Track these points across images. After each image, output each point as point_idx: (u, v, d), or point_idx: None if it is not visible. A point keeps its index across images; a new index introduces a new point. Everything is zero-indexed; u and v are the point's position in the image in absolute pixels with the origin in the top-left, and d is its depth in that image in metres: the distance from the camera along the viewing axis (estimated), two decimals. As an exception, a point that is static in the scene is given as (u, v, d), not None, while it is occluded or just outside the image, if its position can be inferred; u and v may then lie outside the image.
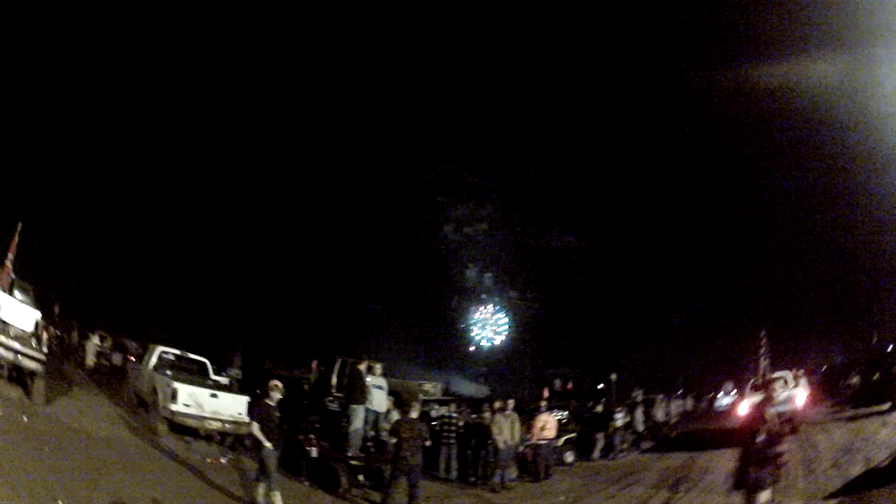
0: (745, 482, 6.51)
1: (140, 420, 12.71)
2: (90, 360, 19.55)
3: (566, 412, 22.57)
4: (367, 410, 12.74)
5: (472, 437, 14.57)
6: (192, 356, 14.19)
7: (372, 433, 12.82)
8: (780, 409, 15.03)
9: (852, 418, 17.36)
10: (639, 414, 20.54)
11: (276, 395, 9.49)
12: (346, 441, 12.22)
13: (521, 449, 15.07)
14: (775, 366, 20.09)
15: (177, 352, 13.98)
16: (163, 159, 37.17)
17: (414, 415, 10.77)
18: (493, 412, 14.28)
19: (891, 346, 23.85)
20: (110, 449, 10.29)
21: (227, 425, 12.35)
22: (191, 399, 12.00)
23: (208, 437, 12.41)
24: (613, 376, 22.64)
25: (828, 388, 23.87)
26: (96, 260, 30.56)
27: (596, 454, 18.22)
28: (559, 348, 43.13)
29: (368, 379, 12.88)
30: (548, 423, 14.68)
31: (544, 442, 14.65)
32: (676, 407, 24.66)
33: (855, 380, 22.25)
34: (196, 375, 13.66)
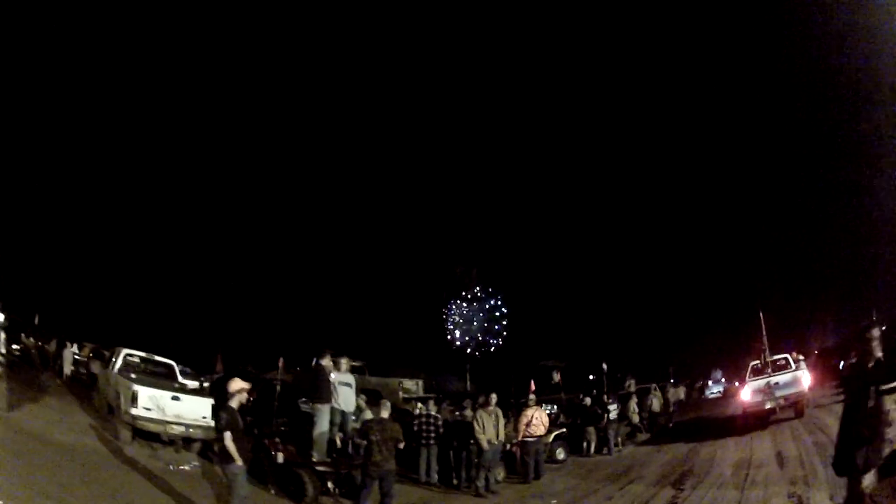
0: (851, 466, 5.16)
1: (108, 428, 11.96)
2: (67, 368, 19.25)
3: (556, 406, 21.33)
4: (334, 410, 11.40)
5: (454, 436, 13.13)
6: (158, 358, 13.55)
7: (341, 435, 11.48)
8: (787, 391, 15.82)
9: (856, 398, 16.11)
10: (633, 405, 19.30)
11: (240, 398, 8.11)
12: (311, 445, 10.94)
13: (508, 447, 13.73)
14: (774, 348, 19.63)
15: (143, 354, 13.33)
16: (146, 168, 37.35)
17: (385, 414, 9.85)
18: (476, 408, 12.88)
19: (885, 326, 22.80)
20: (71, 456, 9.74)
21: (190, 430, 11.56)
22: (152, 402, 11.32)
23: (172, 442, 11.69)
24: (605, 366, 21.38)
25: (824, 370, 23.30)
26: (78, 270, 30.62)
27: (590, 450, 16.90)
28: (548, 339, 41.94)
29: (333, 375, 11.51)
30: (536, 419, 13.22)
31: (533, 439, 13.23)
32: (671, 396, 23.41)
33: (854, 360, 21.36)
34: (161, 378, 12.95)
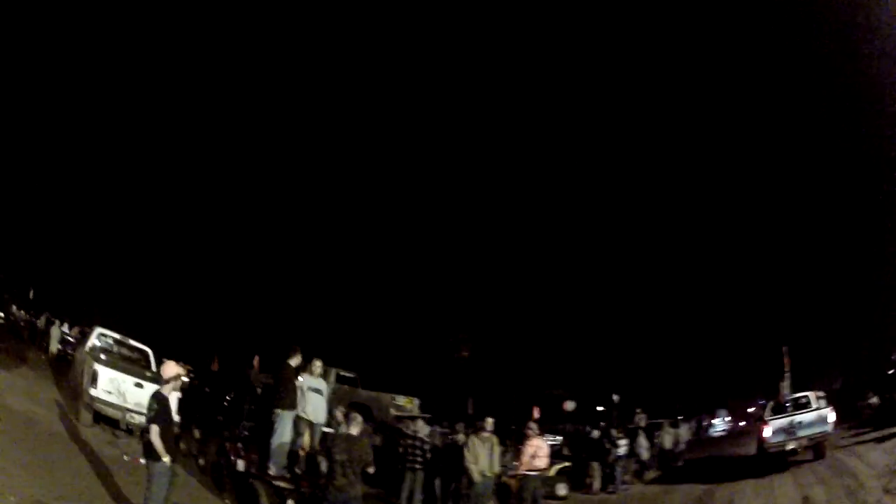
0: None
1: (73, 407, 11.35)
2: (54, 346, 19.42)
3: (559, 437, 20.00)
4: (301, 420, 9.99)
5: (442, 462, 11.93)
6: (133, 343, 12.69)
7: (306, 449, 10.19)
8: (811, 431, 14.75)
9: (879, 440, 15.36)
10: (643, 440, 17.91)
11: (175, 385, 7.21)
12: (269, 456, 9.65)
13: (504, 479, 12.51)
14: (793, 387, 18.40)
15: (117, 336, 12.51)
16: (149, 162, 37.47)
17: (354, 430, 8.05)
18: (468, 433, 11.64)
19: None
20: (24, 427, 9.35)
21: None
22: (112, 385, 10.68)
23: (130, 431, 10.87)
24: (616, 398, 20.15)
25: (840, 409, 20.85)
26: (86, 252, 31.06)
27: (595, 486, 15.57)
28: (556, 366, 40.47)
29: (301, 379, 10.05)
30: (539, 451, 11.81)
31: (535, 473, 11.75)
32: (683, 433, 21.93)
33: (873, 400, 20.38)
34: (132, 364, 12.05)
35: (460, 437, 12.18)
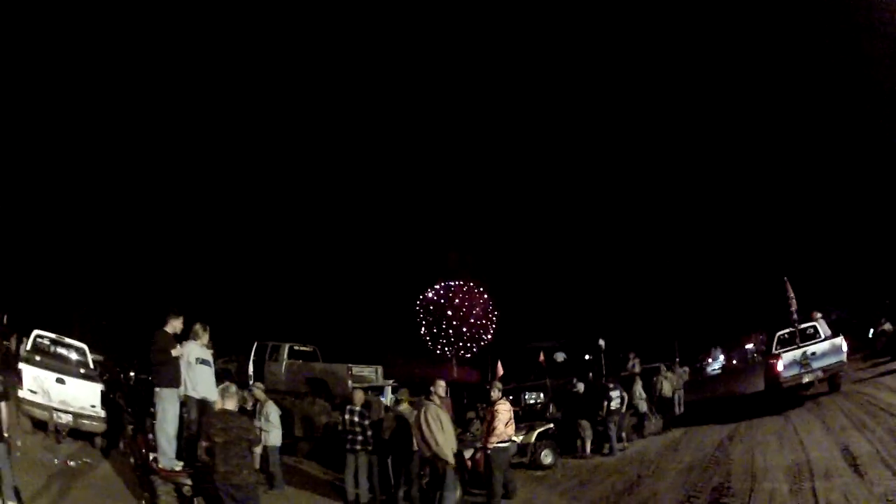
0: None
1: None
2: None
3: (542, 394, 17.56)
4: (191, 400, 8.18)
5: (392, 440, 9.45)
6: (69, 341, 11.88)
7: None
8: (825, 362, 13.80)
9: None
10: (638, 390, 15.48)
11: None
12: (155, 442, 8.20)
13: (471, 455, 10.02)
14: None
15: (53, 336, 11.68)
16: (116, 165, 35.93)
17: (230, 405, 6.81)
18: (417, 402, 9.05)
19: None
20: None
21: (80, 420, 9.74)
22: (36, 384, 9.78)
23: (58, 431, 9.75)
24: (602, 343, 17.71)
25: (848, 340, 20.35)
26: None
27: (586, 449, 13.17)
28: (543, 319, 38.34)
29: (184, 349, 8.15)
30: (499, 416, 9.15)
31: (506, 444, 9.23)
32: (679, 377, 19.54)
33: (887, 326, 19.32)
34: (65, 363, 11.15)
35: (403, 408, 9.64)
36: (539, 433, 12.33)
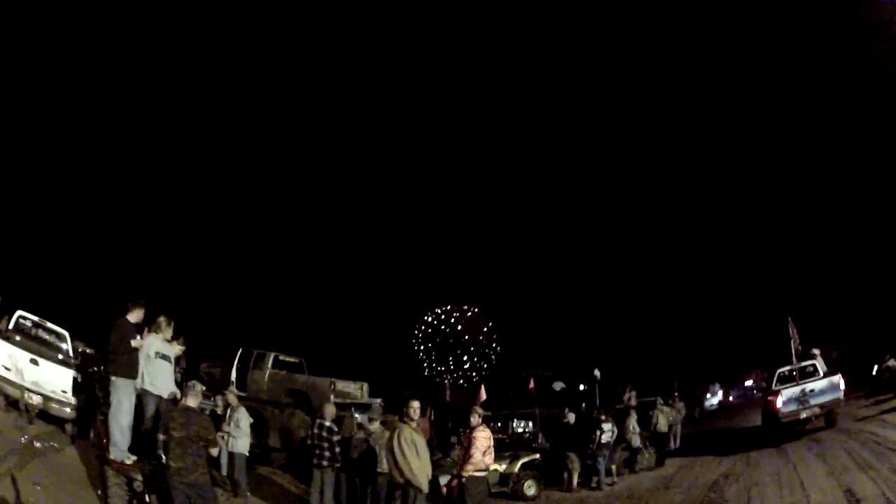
0: None
1: None
2: None
3: (531, 423, 16.85)
4: (147, 394, 7.92)
5: (360, 459, 8.91)
6: (51, 325, 11.79)
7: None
8: (823, 399, 14.24)
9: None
10: (632, 423, 14.78)
11: None
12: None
13: (447, 482, 9.34)
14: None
15: (36, 318, 11.60)
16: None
17: (192, 402, 6.77)
18: (388, 423, 8.45)
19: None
20: None
21: (49, 403, 9.52)
22: (11, 362, 9.71)
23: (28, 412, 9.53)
24: (597, 373, 17.02)
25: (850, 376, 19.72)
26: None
27: (572, 482, 12.46)
28: (542, 348, 37.59)
29: (144, 341, 7.86)
30: (477, 443, 8.49)
31: (482, 473, 8.47)
32: (677, 412, 18.81)
33: (892, 362, 18.71)
34: (44, 346, 11.12)
35: (373, 427, 9.07)
36: (523, 463, 11.69)
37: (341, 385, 15.43)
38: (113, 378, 7.75)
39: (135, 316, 7.95)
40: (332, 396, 14.48)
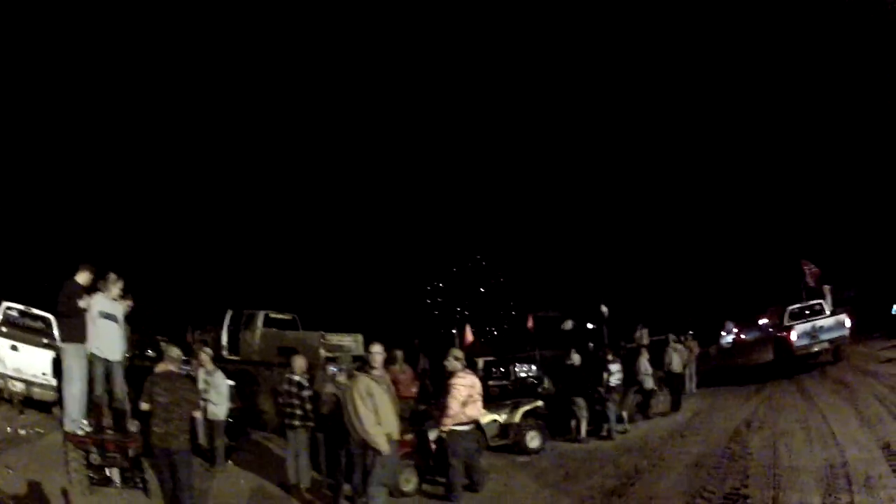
0: None
1: None
2: None
3: (534, 366, 15.94)
4: (96, 359, 7.48)
5: (329, 416, 8.13)
6: (36, 311, 11.36)
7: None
8: (831, 335, 15.56)
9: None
10: (644, 363, 13.80)
11: None
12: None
13: (435, 437, 8.41)
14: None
15: (21, 307, 11.24)
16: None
17: (173, 366, 6.70)
18: (350, 374, 7.27)
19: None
20: None
21: (32, 388, 9.04)
22: None
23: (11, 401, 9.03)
24: (605, 310, 16.02)
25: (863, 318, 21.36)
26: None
27: (580, 431, 11.58)
28: (545, 285, 36.78)
29: (97, 300, 7.48)
30: (475, 391, 7.45)
31: (467, 427, 7.44)
32: (689, 352, 17.68)
33: None
34: (32, 333, 10.56)
35: (341, 378, 8.17)
36: (525, 412, 10.74)
37: (335, 338, 14.81)
38: (62, 344, 7.56)
39: (83, 278, 7.61)
40: (322, 351, 13.71)
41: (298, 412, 8.09)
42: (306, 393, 8.13)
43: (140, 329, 14.97)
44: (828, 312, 16.56)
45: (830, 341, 15.55)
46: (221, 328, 15.41)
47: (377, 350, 6.50)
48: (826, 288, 19.01)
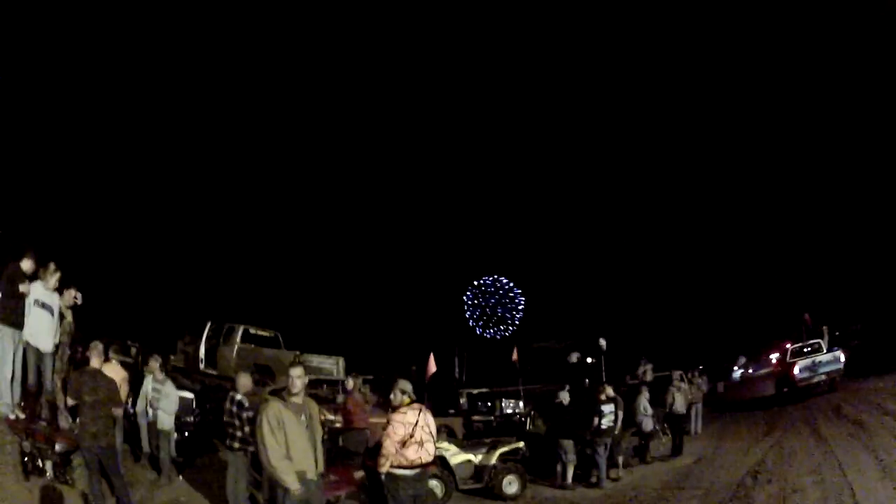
0: None
1: None
2: None
3: (521, 402, 14.81)
4: (29, 347, 7.31)
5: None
6: None
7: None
8: (828, 368, 17.61)
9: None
10: (643, 402, 12.63)
11: None
12: None
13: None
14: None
15: None
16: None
17: (96, 364, 6.58)
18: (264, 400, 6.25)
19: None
20: None
21: None
22: None
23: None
24: (603, 343, 14.99)
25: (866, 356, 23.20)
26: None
27: (566, 477, 10.41)
28: (548, 318, 35.90)
29: (34, 288, 7.33)
30: (422, 430, 6.17)
31: (412, 472, 5.79)
32: (696, 390, 16.42)
33: None
34: None
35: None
36: (503, 453, 9.66)
37: (316, 360, 14.38)
38: None
39: (28, 264, 7.44)
40: (296, 371, 12.92)
41: (238, 434, 7.26)
42: (246, 414, 7.19)
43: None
44: (825, 349, 18.59)
45: (827, 374, 17.61)
46: (200, 340, 15.01)
47: (297, 374, 5.48)
48: (824, 328, 21.91)
